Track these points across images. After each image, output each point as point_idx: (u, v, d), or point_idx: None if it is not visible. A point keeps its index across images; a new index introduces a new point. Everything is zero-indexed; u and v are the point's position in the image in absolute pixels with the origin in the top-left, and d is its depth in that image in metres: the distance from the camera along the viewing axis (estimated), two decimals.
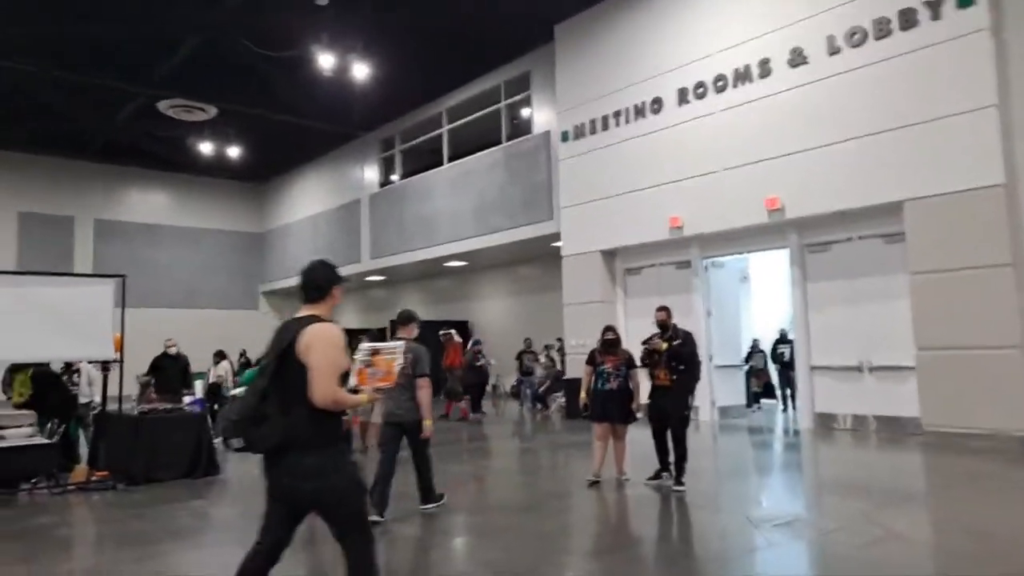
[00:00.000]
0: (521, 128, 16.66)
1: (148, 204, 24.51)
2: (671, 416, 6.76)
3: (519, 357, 16.25)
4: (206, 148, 21.27)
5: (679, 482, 6.66)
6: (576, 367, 13.49)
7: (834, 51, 10.23)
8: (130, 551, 5.15)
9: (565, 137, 14.07)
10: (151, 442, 7.46)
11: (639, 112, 12.74)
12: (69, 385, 9.05)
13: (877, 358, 10.29)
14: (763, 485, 7.58)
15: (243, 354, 17.71)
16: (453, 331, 15.13)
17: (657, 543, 5.30)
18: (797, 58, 10.61)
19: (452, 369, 14.27)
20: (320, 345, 2.85)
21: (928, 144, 9.33)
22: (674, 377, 6.73)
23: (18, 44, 14.56)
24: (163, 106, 18.17)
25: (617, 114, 13.09)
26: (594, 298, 13.57)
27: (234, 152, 21.61)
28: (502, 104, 16.54)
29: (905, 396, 9.79)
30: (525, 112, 16.68)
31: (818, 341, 11.02)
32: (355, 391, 3.17)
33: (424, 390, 5.68)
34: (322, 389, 2.79)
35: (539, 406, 14.83)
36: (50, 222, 22.46)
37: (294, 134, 20.54)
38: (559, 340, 16.24)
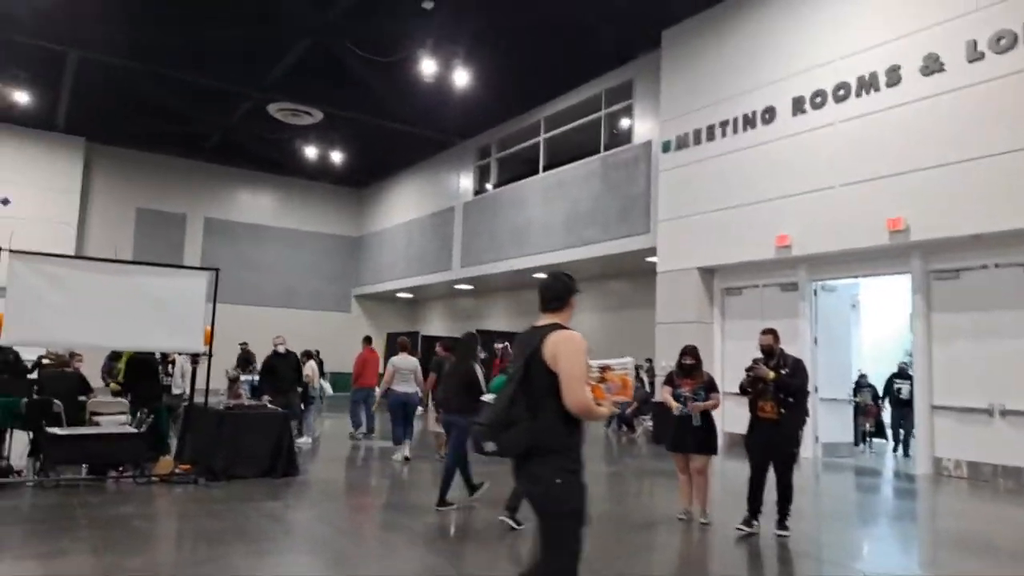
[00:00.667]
0: (620, 138, 16.17)
1: (254, 205, 25.52)
2: (777, 454, 6.05)
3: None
4: (311, 152, 22.00)
5: (783, 525, 6.00)
6: None
7: (975, 57, 9.23)
8: (195, 551, 5.09)
9: (667, 147, 13.48)
10: (233, 438, 7.45)
11: (749, 122, 12.01)
12: (164, 376, 9.26)
13: (1011, 402, 9.16)
14: (873, 535, 6.77)
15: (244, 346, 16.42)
16: (508, 343, 14.72)
17: None
18: (932, 64, 9.64)
19: None
20: (568, 353, 2.92)
21: None
22: (782, 411, 6.00)
23: (140, 46, 15.36)
24: (272, 109, 18.81)
25: (724, 124, 12.40)
26: (689, 318, 12.86)
27: (336, 156, 22.25)
28: (602, 113, 16.11)
29: None
30: (625, 122, 16.18)
31: (941, 378, 9.94)
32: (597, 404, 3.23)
33: None
34: (576, 396, 2.87)
35: (624, 428, 14.21)
36: (164, 218, 23.72)
37: (394, 140, 20.87)
38: (648, 361, 15.57)
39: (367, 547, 5.34)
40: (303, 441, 10.82)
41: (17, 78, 17.03)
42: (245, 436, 7.53)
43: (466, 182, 20.91)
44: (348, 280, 26.60)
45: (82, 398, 7.79)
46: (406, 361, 9.81)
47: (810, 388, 10.88)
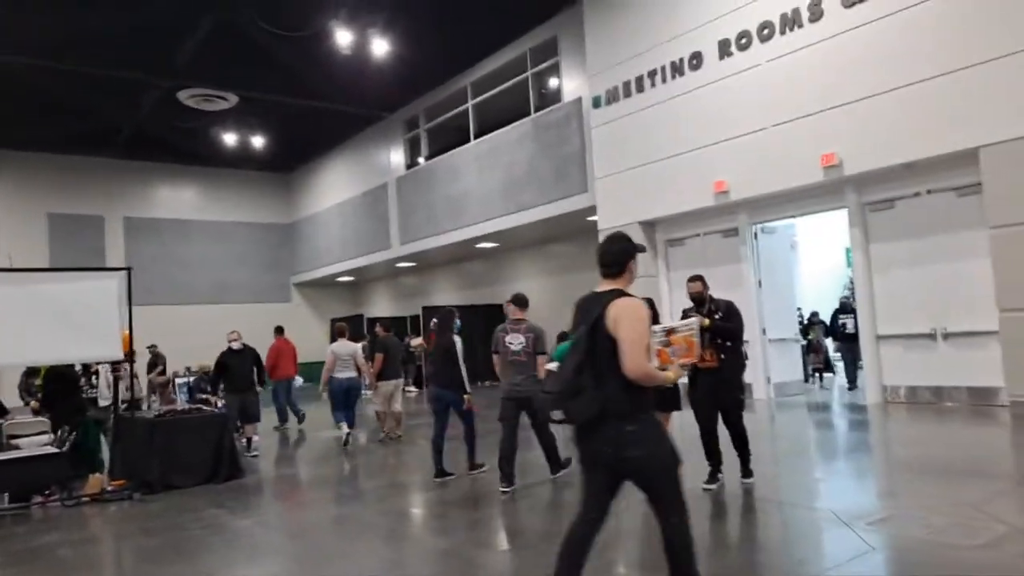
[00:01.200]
0: (550, 98, 15.83)
1: (177, 199, 24.31)
2: (724, 402, 5.75)
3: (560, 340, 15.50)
4: (230, 139, 20.96)
5: (746, 471, 5.89)
6: None
7: None
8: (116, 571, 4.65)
9: (597, 103, 13.22)
10: (168, 447, 6.96)
11: (676, 70, 11.82)
12: (88, 388, 8.64)
13: (953, 324, 9.35)
14: (838, 471, 6.78)
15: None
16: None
17: (739, 550, 4.58)
18: None
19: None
20: (627, 319, 2.92)
21: (1007, 82, 8.30)
22: (722, 356, 5.69)
23: (25, 40, 14.19)
24: (183, 96, 17.77)
25: (652, 74, 12.19)
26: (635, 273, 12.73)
27: (258, 142, 21.27)
28: (528, 73, 15.72)
29: (986, 364, 8.86)
30: (553, 81, 15.85)
31: (884, 308, 10.08)
32: (662, 369, 3.31)
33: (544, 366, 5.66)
34: (635, 362, 2.86)
35: None
36: (80, 222, 22.38)
37: (317, 119, 20.03)
38: None
39: (318, 547, 5.00)
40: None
41: None
42: (181, 443, 7.04)
43: (397, 157, 20.29)
44: (285, 268, 25.72)
45: None
46: (345, 347, 9.84)
47: (757, 330, 11.07)
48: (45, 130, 19.92)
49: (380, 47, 15.02)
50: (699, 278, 6.03)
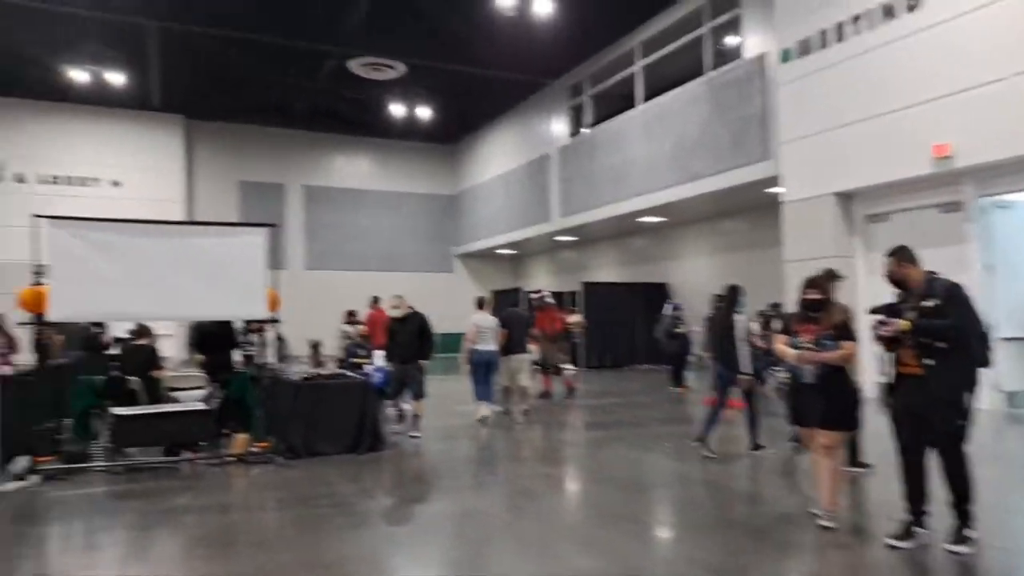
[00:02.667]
0: (727, 56, 14.28)
1: (350, 169, 25.30)
2: (930, 425, 4.07)
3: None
4: (398, 109, 21.29)
5: (960, 537, 4.01)
6: None
7: None
8: (220, 551, 4.32)
9: (786, 56, 11.59)
10: (312, 411, 6.76)
11: (888, 12, 9.97)
12: (247, 345, 8.75)
13: None
14: None
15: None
16: (545, 291, 13.02)
17: None
18: None
19: (548, 336, 11.88)
20: None
21: None
22: (929, 361, 4.02)
23: (213, 10, 14.95)
24: (353, 65, 18.15)
25: (857, 19, 10.40)
26: (825, 253, 11.08)
27: (424, 112, 21.43)
28: (705, 28, 14.25)
29: None
30: (731, 38, 14.27)
31: None
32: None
33: None
34: None
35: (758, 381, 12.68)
36: (264, 189, 23.87)
37: (481, 87, 19.76)
38: (774, 306, 13.90)
39: (429, 542, 4.42)
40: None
41: (107, 58, 17.15)
42: (324, 408, 6.83)
43: (560, 125, 19.53)
44: (448, 239, 26.03)
45: (154, 373, 7.33)
46: (487, 319, 9.56)
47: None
48: (234, 101, 21.30)
49: (543, 6, 14.25)
50: (900, 251, 4.42)
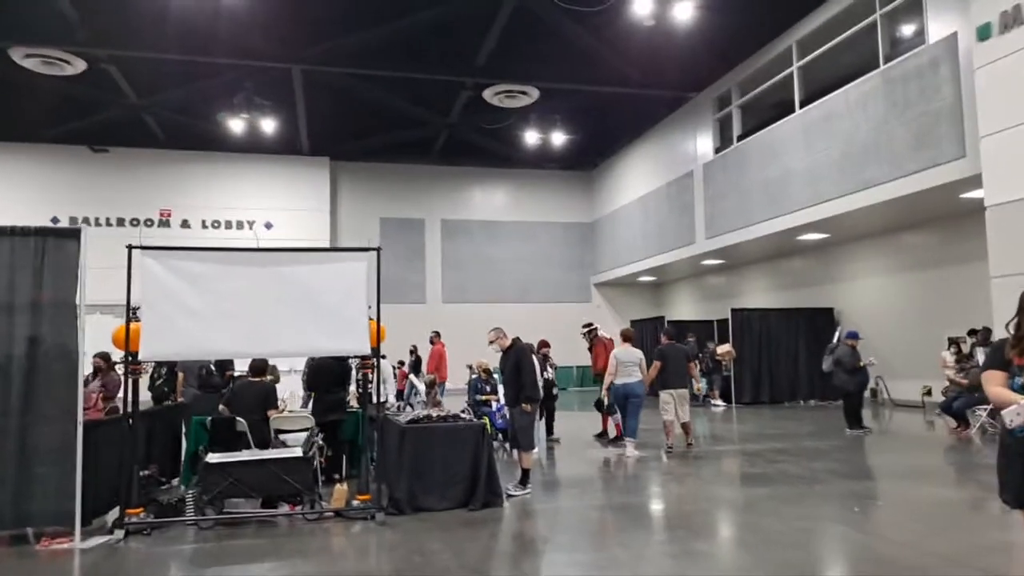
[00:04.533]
0: (906, 44, 12.32)
1: (487, 201, 25.06)
2: None
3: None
4: (533, 137, 20.76)
5: None
6: None
7: None
8: None
9: (985, 33, 9.61)
10: (417, 460, 5.91)
11: None
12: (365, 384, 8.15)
13: None
14: None
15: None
16: (596, 324, 11.41)
17: None
18: None
19: (600, 373, 10.46)
20: None
21: None
22: None
23: (351, 50, 15.13)
24: (488, 95, 17.81)
25: None
26: None
27: (559, 138, 20.74)
28: (877, 15, 12.37)
29: None
30: (907, 27, 12.31)
31: None
32: None
33: None
34: None
35: (956, 424, 10.46)
36: (405, 225, 24.14)
37: (618, 107, 18.81)
38: (975, 333, 11.61)
39: None
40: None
41: (258, 106, 17.98)
42: (433, 456, 5.95)
43: (704, 141, 18.03)
44: (586, 268, 25.02)
45: (271, 414, 6.83)
46: (629, 353, 9.22)
47: None
48: (376, 141, 21.81)
49: (683, 12, 13.06)
50: None
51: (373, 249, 5.94)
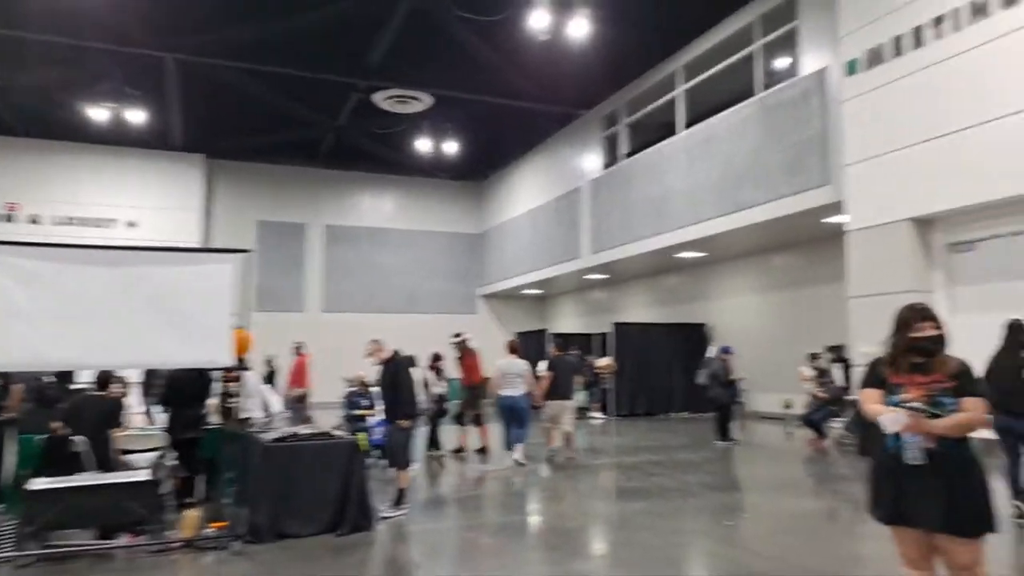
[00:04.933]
0: (781, 75, 13.02)
1: (374, 208, 24.33)
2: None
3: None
4: (424, 144, 20.36)
5: None
6: None
7: None
8: None
9: (853, 68, 10.25)
10: (281, 481, 5.41)
11: (979, 11, 8.62)
12: (227, 398, 7.50)
13: None
14: None
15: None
16: (466, 334, 11.16)
17: None
18: None
19: (467, 387, 10.41)
20: None
21: None
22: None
23: (232, 42, 14.24)
24: (379, 99, 17.29)
25: (939, 20, 9.05)
26: (899, 287, 9.57)
27: (451, 147, 20.48)
28: (757, 45, 13.00)
29: None
30: (783, 60, 13.03)
31: None
32: None
33: None
34: None
35: (814, 435, 11.01)
36: (284, 229, 23.00)
37: (510, 120, 18.75)
38: (831, 350, 12.36)
39: None
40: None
41: (126, 95, 16.55)
42: (298, 477, 5.47)
43: (593, 158, 18.34)
44: (473, 280, 24.80)
45: (116, 432, 6.09)
46: (513, 364, 9.22)
47: None
48: (257, 140, 20.66)
49: (578, 29, 13.19)
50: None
51: (242, 251, 5.41)
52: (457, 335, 10.83)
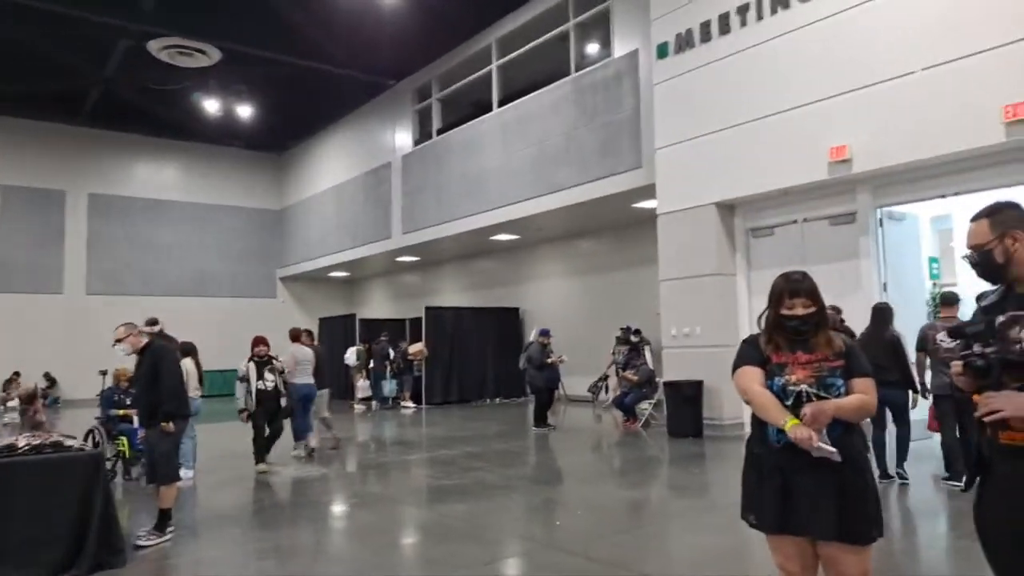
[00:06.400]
0: (595, 56, 13.00)
1: (153, 177, 21.40)
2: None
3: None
4: (213, 106, 18.15)
5: None
6: (678, 365, 9.88)
7: None
8: None
9: (663, 52, 10.33)
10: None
11: (780, 1, 8.94)
12: None
13: None
14: None
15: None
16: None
17: None
18: None
19: None
20: None
21: None
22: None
23: None
24: (155, 47, 14.92)
25: (744, 8, 9.30)
26: (704, 270, 9.84)
27: (246, 111, 18.47)
28: (571, 24, 12.84)
29: None
30: (597, 39, 13.03)
31: None
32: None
33: None
34: None
35: (626, 418, 11.10)
36: (38, 196, 19.48)
37: (314, 85, 17.18)
38: (629, 330, 12.62)
39: None
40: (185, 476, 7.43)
41: None
42: (11, 505, 4.09)
43: (404, 132, 17.40)
44: (272, 260, 22.79)
45: None
46: (304, 352, 9.09)
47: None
48: (3, 87, 17.10)
49: None
50: (1006, 212, 2.14)
51: None
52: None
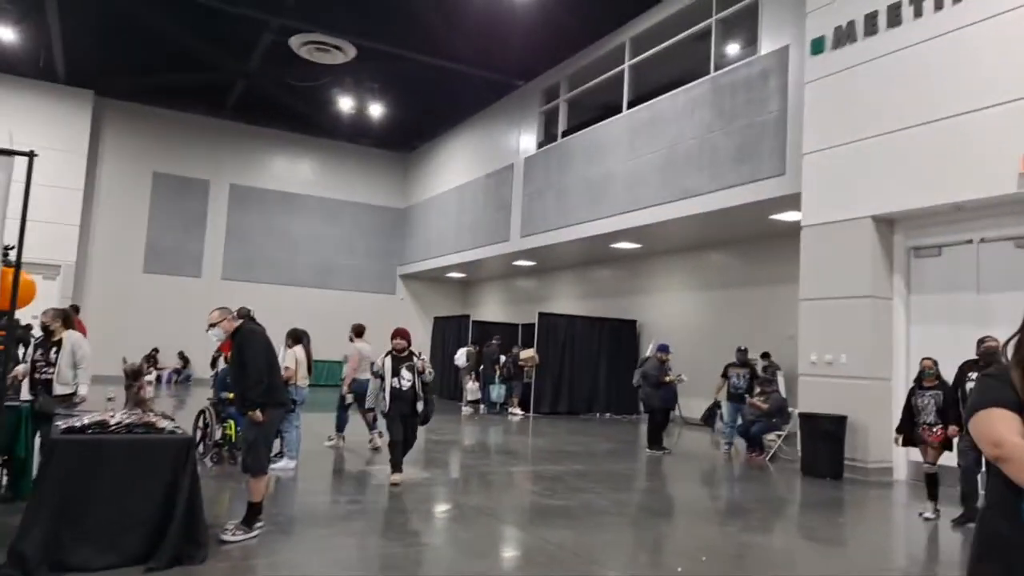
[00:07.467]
0: (732, 56, 12.07)
1: (286, 171, 22.26)
2: None
3: (727, 372, 11.10)
4: (346, 104, 18.63)
5: None
6: (815, 395, 8.82)
7: None
8: None
9: (818, 47, 9.31)
10: (66, 490, 3.85)
11: None
12: (44, 365, 5.86)
13: None
14: None
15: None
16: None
17: None
18: None
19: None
20: None
21: None
22: None
23: None
24: (296, 43, 15.42)
25: None
26: (855, 292, 8.72)
27: (377, 111, 18.81)
28: (712, 19, 11.97)
29: None
30: (741, 36, 12.08)
31: None
32: None
33: None
34: None
35: (752, 449, 10.07)
36: (184, 184, 20.71)
37: (443, 84, 17.22)
38: (746, 352, 11.12)
39: None
40: (281, 467, 7.32)
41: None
42: (96, 485, 3.92)
43: (529, 133, 17.05)
44: (393, 257, 23.15)
45: None
46: (369, 348, 9.17)
47: None
48: (156, 80, 18.37)
49: None
50: None
51: (17, 153, 3.78)
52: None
